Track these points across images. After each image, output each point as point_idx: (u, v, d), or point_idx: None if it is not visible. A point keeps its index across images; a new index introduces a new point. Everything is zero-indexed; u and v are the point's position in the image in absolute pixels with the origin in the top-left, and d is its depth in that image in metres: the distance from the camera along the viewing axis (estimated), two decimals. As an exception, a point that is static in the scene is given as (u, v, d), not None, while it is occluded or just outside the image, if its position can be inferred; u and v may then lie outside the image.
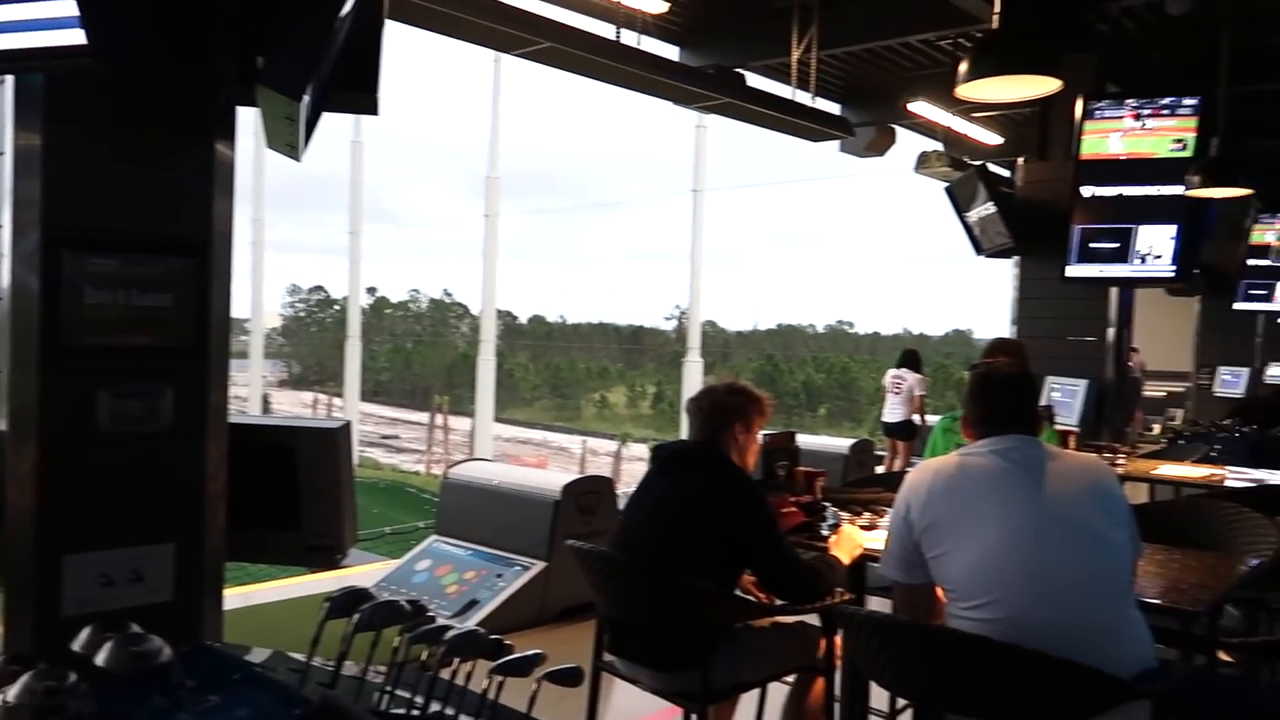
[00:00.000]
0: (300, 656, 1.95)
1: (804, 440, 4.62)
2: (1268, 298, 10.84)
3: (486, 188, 26.50)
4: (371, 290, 58.31)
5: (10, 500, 2.02)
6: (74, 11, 1.76)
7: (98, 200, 2.20)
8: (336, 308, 55.11)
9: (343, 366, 30.24)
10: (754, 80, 6.83)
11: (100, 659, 1.53)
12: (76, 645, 1.59)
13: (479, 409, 25.04)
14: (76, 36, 1.78)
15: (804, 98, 6.71)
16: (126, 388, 2.21)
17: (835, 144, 8.45)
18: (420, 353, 58.06)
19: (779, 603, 2.62)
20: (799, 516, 3.01)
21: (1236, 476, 4.83)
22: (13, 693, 1.37)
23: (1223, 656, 2.89)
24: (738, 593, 2.65)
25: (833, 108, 8.65)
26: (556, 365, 58.12)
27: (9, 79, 2.10)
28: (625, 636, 2.55)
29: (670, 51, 7.26)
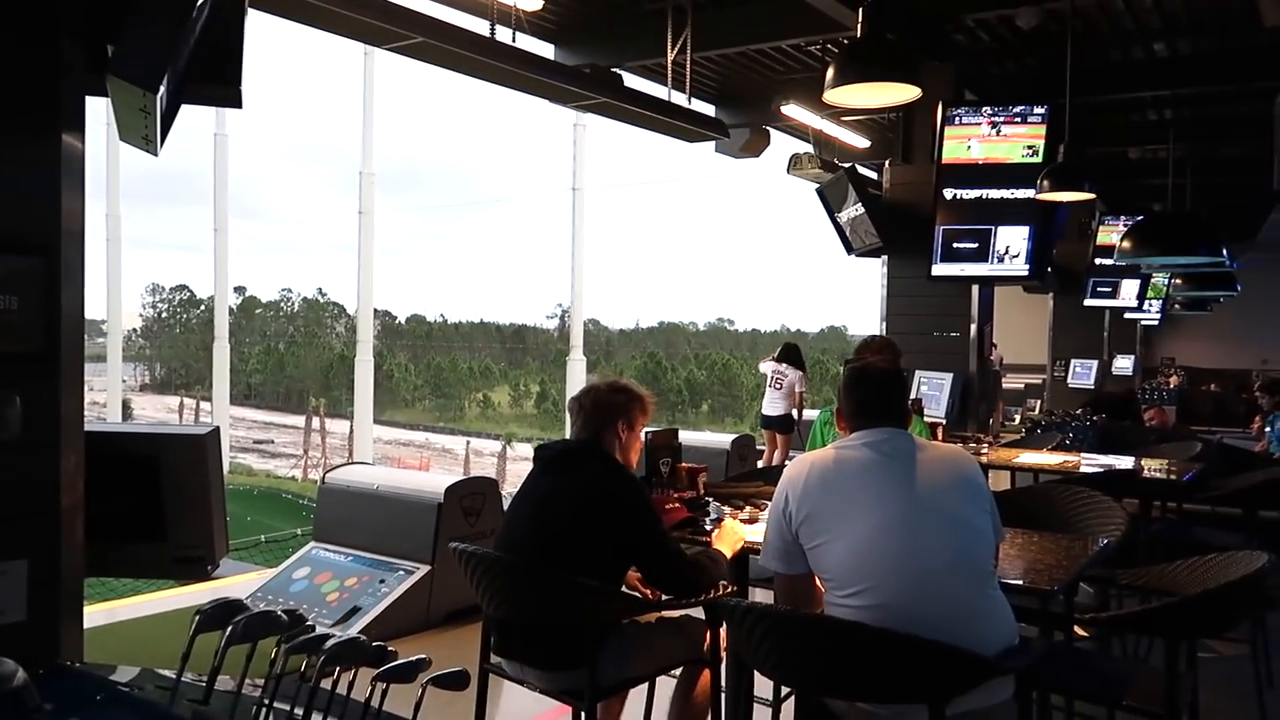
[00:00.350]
0: (168, 673, 1.87)
1: (687, 436, 4.68)
2: (1113, 294, 11.60)
3: (360, 184, 25.84)
4: (240, 289, 56.07)
5: None
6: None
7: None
8: (202, 308, 52.77)
9: (210, 369, 28.97)
10: (631, 80, 6.87)
11: (-55, 686, 1.43)
12: (-84, 673, 1.47)
13: (357, 411, 24.41)
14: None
15: (680, 99, 6.79)
16: (-32, 395, 2.07)
17: (711, 145, 8.59)
18: (294, 354, 56.11)
19: (664, 598, 2.65)
20: (682, 512, 3.05)
21: (1089, 462, 5.15)
22: None
23: (1079, 631, 3.09)
24: (624, 589, 2.67)
25: (708, 109, 8.78)
26: (438, 365, 57.12)
27: None
28: (511, 637, 2.54)
29: (546, 50, 7.24)
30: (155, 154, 2.45)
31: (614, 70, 6.74)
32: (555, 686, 2.50)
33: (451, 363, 57.46)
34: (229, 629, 1.75)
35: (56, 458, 2.18)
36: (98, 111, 2.48)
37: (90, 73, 2.22)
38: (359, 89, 24.78)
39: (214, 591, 4.39)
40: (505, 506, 5.00)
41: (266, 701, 1.72)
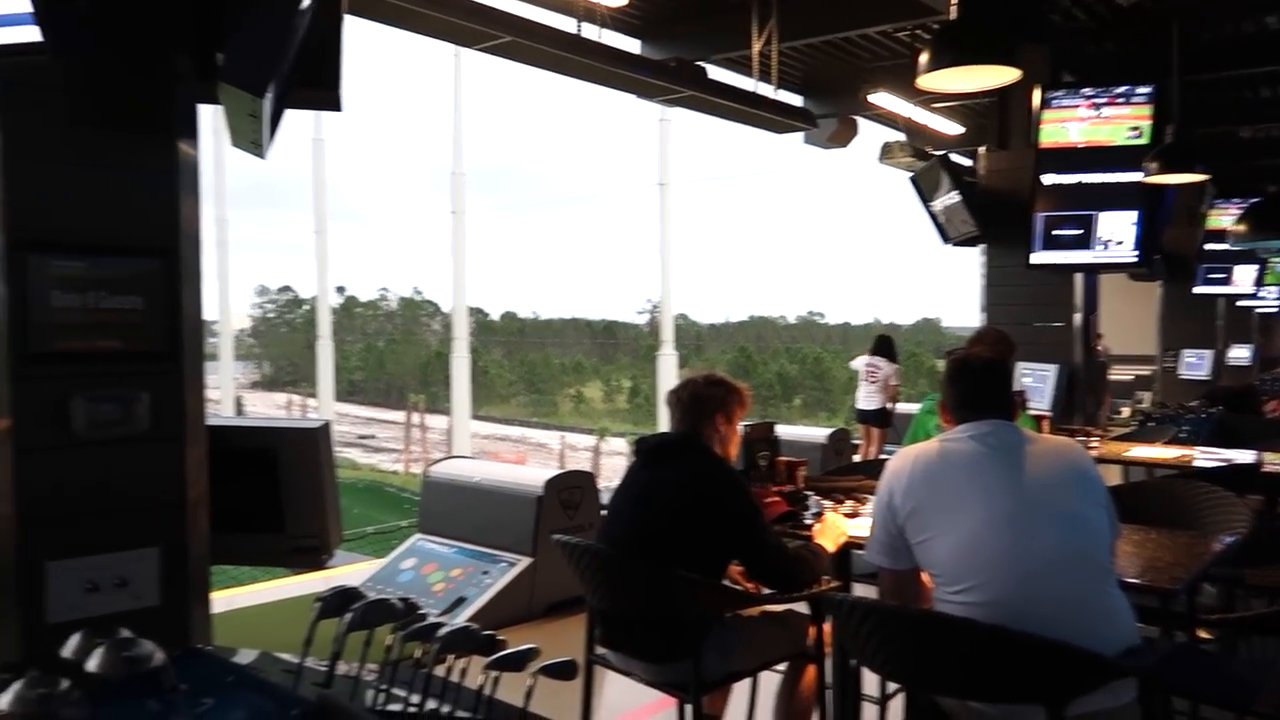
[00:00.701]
0: (289, 657, 1.95)
1: (781, 430, 4.64)
2: (1225, 281, 11.05)
3: (452, 184, 26.28)
4: (340, 289, 57.86)
5: (-11, 508, 1.99)
6: (27, 7, 1.72)
7: (62, 202, 2.17)
8: (306, 307, 54.56)
9: (315, 367, 29.91)
10: (716, 73, 6.85)
11: (92, 665, 1.52)
12: (66, 651, 1.57)
13: (455, 407, 24.83)
14: (31, 33, 1.75)
15: (766, 90, 6.74)
16: (101, 392, 2.18)
17: (800, 136, 8.51)
18: (393, 351, 57.64)
19: (766, 592, 2.63)
20: (782, 506, 3.03)
21: (1206, 456, 4.91)
22: (5, 701, 1.35)
23: (1202, 634, 2.95)
24: (725, 583, 2.67)
25: (795, 100, 8.69)
26: (531, 361, 57.93)
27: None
28: (616, 629, 2.56)
29: (631, 45, 7.27)
30: (263, 157, 2.54)
31: (698, 64, 6.73)
32: (660, 678, 2.51)
33: (544, 359, 58.19)
34: (348, 616, 1.82)
35: (182, 451, 2.28)
36: (204, 119, 2.58)
37: (200, 81, 2.31)
38: (449, 90, 25.15)
39: (326, 580, 4.54)
40: (602, 500, 5.08)
41: (384, 687, 1.78)
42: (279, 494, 2.58)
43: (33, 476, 2.04)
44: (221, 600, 5.01)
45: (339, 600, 1.87)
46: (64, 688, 1.38)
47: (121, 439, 2.20)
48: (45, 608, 1.99)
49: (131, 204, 2.28)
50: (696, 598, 2.42)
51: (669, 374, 23.00)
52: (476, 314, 56.98)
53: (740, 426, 2.86)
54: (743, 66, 7.20)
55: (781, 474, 3.29)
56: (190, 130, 2.38)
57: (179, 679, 1.55)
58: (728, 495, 2.52)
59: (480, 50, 5.20)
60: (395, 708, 1.79)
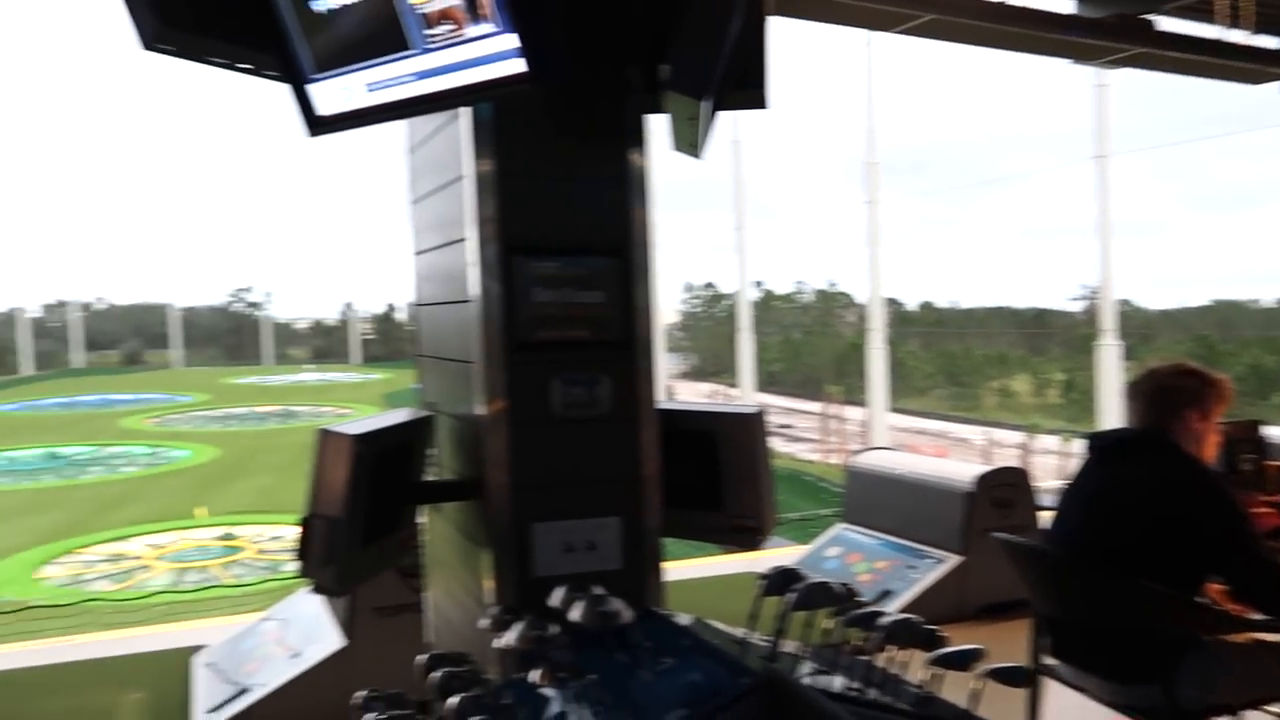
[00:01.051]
0: (724, 627, 2.05)
1: (1269, 431, 3.99)
2: None
3: (865, 174, 25.91)
4: (758, 284, 59.81)
5: (490, 476, 2.34)
6: (516, 44, 1.97)
7: (539, 210, 2.45)
8: (727, 302, 57.15)
9: (736, 358, 31.23)
10: (1166, 24, 6.06)
11: (574, 615, 1.73)
12: (553, 601, 1.81)
13: (872, 398, 24.61)
14: (519, 66, 1.99)
15: (1237, 36, 5.82)
16: (573, 376, 2.44)
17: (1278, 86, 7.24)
18: (809, 343, 58.51)
19: (1257, 617, 2.27)
20: (1275, 518, 2.61)
21: None
22: (510, 637, 1.60)
23: None
24: (1202, 601, 2.34)
25: (1275, 43, 7.40)
26: (950, 353, 55.53)
27: (465, 113, 2.40)
28: (1069, 640, 2.36)
29: (1065, 5, 6.65)
30: (700, 158, 2.69)
31: (1144, 17, 5.98)
32: (1122, 700, 2.27)
33: (965, 350, 55.44)
34: (790, 595, 1.87)
35: (638, 431, 2.49)
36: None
37: (646, 93, 2.49)
38: (861, 78, 24.78)
39: (751, 562, 4.73)
40: (1036, 500, 4.72)
41: (823, 668, 1.80)
42: (719, 474, 2.71)
43: (523, 449, 2.36)
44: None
45: (781, 580, 1.94)
46: (554, 632, 1.60)
47: (588, 419, 2.45)
48: (532, 563, 2.29)
49: (593, 209, 2.51)
50: (1166, 613, 2.15)
51: (1110, 367, 20.72)
52: (892, 305, 55.80)
53: (1217, 424, 2.49)
54: (1202, 13, 6.28)
55: (1272, 480, 2.83)
56: (639, 139, 2.57)
57: (643, 637, 1.71)
58: (1206, 502, 2.21)
59: (899, 33, 5.10)
60: (834, 689, 1.80)
